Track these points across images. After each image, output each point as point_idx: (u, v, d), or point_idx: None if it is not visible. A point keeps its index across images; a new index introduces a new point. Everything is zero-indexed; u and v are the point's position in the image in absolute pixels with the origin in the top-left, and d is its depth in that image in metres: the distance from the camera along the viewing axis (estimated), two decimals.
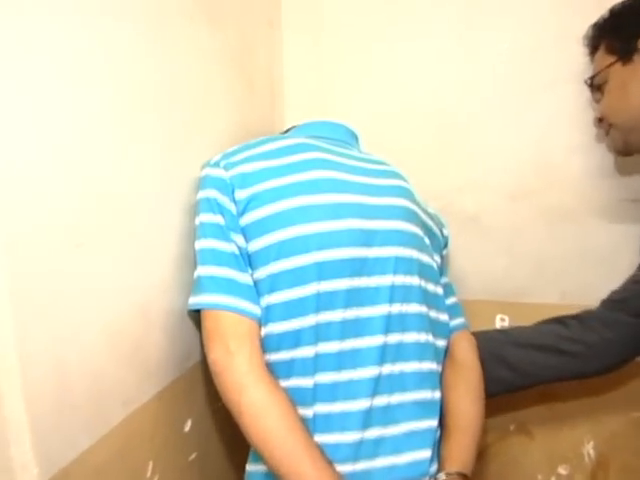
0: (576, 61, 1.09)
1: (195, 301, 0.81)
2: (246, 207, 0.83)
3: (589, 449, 1.21)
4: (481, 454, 1.21)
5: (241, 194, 0.83)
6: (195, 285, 0.83)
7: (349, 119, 1.05)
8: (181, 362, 0.88)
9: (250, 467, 0.84)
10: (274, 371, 0.81)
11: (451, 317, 0.97)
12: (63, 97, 0.63)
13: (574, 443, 1.21)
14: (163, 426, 0.83)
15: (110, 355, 0.72)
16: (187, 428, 0.90)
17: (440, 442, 0.86)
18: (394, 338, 0.83)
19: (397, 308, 0.84)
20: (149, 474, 0.79)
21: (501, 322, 1.21)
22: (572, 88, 1.10)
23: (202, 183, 0.86)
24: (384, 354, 0.82)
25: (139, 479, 0.78)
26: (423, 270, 0.89)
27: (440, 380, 0.90)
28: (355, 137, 1.06)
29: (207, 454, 0.95)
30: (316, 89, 1.26)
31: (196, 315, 0.86)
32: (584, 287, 1.14)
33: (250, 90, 1.13)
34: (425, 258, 0.91)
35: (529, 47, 1.12)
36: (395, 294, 0.84)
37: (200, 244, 0.83)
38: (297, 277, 0.80)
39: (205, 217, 0.84)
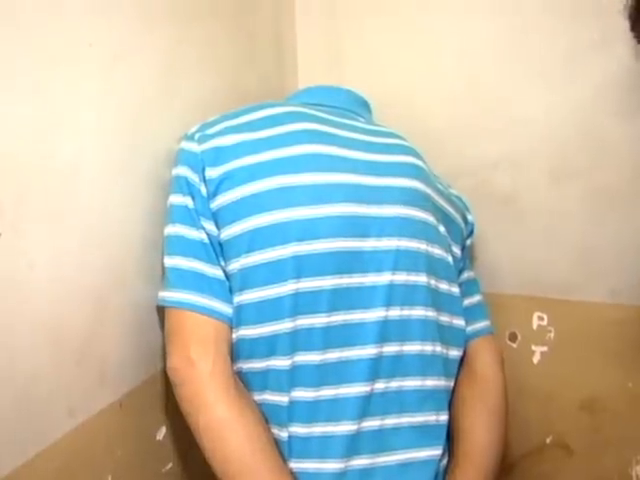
0: None
1: (159, 297, 0.72)
2: (218, 188, 0.72)
3: (638, 471, 1.05)
4: (508, 469, 1.08)
5: (213, 172, 0.72)
6: (163, 278, 0.73)
7: (369, 85, 0.95)
8: (150, 363, 0.78)
9: None
10: (247, 382, 0.71)
11: (472, 320, 0.83)
12: None
13: (621, 463, 1.05)
14: (127, 436, 0.74)
15: (50, 356, 0.62)
16: (160, 436, 0.81)
17: (445, 474, 0.73)
18: (391, 349, 0.71)
19: (396, 312, 0.71)
20: None
21: (539, 322, 1.07)
22: (627, 48, 0.93)
23: (176, 158, 0.76)
24: (378, 368, 0.70)
25: None
26: (433, 266, 0.75)
27: (451, 398, 0.76)
28: (365, 105, 0.92)
29: (185, 464, 0.86)
30: (335, 47, 1.12)
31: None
32: (638, 285, 0.99)
33: (250, 45, 0.98)
34: (437, 251, 0.77)
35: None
36: (394, 295, 0.71)
37: (167, 230, 0.74)
38: (272, 273, 0.69)
39: (175, 199, 0.74)
